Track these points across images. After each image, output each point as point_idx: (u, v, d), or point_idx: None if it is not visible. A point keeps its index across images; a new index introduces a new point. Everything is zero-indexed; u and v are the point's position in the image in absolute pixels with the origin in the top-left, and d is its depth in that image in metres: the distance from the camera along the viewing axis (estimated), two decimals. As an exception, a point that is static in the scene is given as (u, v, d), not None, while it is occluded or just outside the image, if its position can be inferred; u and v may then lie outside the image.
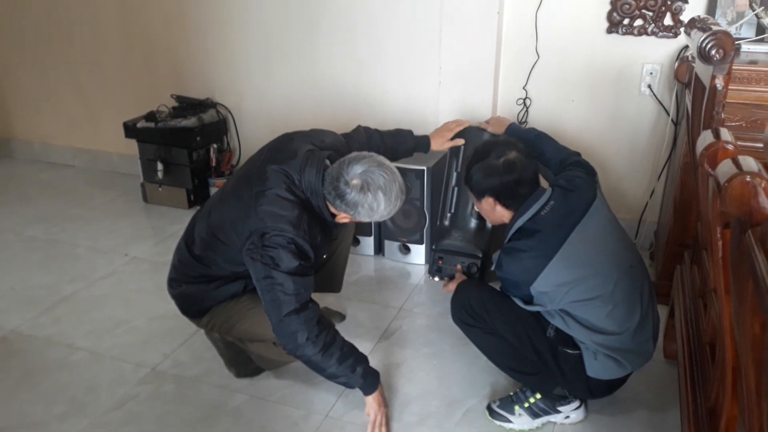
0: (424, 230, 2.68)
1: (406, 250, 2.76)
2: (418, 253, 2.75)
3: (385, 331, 2.28)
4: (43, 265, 2.78)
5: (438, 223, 2.38)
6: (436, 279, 2.35)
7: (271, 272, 1.63)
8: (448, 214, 2.33)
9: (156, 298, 2.49)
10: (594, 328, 1.64)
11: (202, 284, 1.88)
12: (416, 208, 2.65)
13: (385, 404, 1.82)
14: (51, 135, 4.04)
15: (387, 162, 1.69)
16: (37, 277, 2.67)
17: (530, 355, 1.73)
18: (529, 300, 1.69)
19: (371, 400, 1.79)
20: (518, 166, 1.70)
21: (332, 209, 1.71)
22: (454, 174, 2.34)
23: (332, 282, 2.21)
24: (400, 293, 2.53)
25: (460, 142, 2.21)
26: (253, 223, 1.65)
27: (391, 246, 2.78)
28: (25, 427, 1.84)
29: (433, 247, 2.37)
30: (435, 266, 2.34)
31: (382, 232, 2.78)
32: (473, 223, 2.28)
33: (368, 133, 2.08)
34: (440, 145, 2.18)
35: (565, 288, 1.62)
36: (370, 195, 1.62)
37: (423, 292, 2.45)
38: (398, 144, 2.11)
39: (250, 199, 1.68)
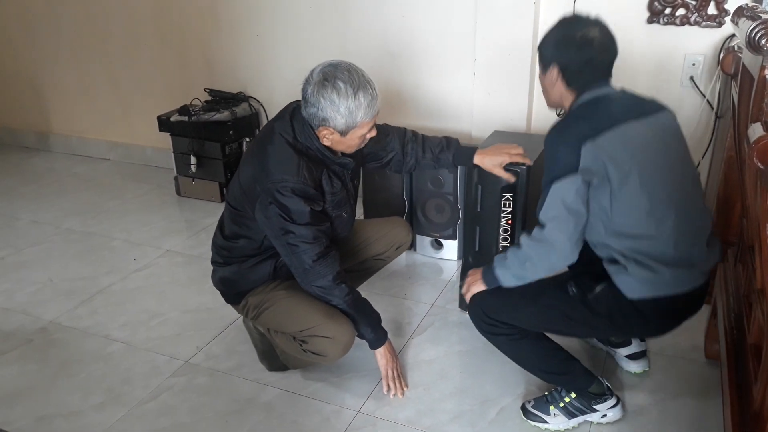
0: (457, 225, 2.65)
1: (439, 245, 2.73)
2: (451, 248, 2.72)
3: (417, 328, 2.26)
4: (79, 257, 2.83)
5: (463, 260, 2.33)
6: (468, 314, 2.32)
7: (287, 225, 1.68)
8: (473, 252, 2.27)
9: (189, 291, 2.51)
10: (625, 232, 1.54)
11: (235, 265, 1.90)
12: (449, 203, 2.62)
13: (395, 356, 1.92)
14: (87, 129, 4.10)
15: (350, 61, 1.67)
16: (75, 269, 2.71)
17: (567, 329, 1.67)
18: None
19: (380, 354, 1.89)
20: (595, 46, 1.55)
21: (319, 135, 1.71)
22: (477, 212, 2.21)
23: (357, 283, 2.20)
24: (433, 289, 2.51)
25: (513, 179, 2.01)
26: (260, 183, 1.70)
27: (423, 241, 2.75)
28: (64, 416, 1.87)
29: (461, 284, 2.32)
30: (466, 302, 2.31)
31: (414, 227, 2.75)
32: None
33: (414, 135, 2.05)
34: (490, 164, 1.99)
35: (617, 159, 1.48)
36: (330, 86, 1.60)
37: (455, 288, 2.42)
38: (440, 152, 2.03)
39: (254, 165, 1.75)
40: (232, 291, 1.96)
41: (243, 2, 3.26)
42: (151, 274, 2.68)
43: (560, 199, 1.51)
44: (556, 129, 1.57)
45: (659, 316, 1.63)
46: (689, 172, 1.63)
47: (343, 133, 1.68)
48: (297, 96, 1.69)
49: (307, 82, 1.65)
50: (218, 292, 2.02)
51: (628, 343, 1.99)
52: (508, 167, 2.00)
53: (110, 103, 3.93)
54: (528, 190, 2.16)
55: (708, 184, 2.54)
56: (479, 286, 1.75)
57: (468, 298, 1.79)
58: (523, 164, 2.02)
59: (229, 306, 2.03)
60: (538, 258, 1.59)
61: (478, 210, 2.19)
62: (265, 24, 3.25)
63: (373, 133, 1.76)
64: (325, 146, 1.73)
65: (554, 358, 1.74)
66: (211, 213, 3.19)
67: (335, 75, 1.61)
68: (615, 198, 1.50)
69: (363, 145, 1.78)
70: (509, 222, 2.16)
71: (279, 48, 3.27)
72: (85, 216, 3.24)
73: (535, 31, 2.65)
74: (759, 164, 1.22)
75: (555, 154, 1.54)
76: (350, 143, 1.73)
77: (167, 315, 2.36)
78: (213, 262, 1.98)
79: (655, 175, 1.52)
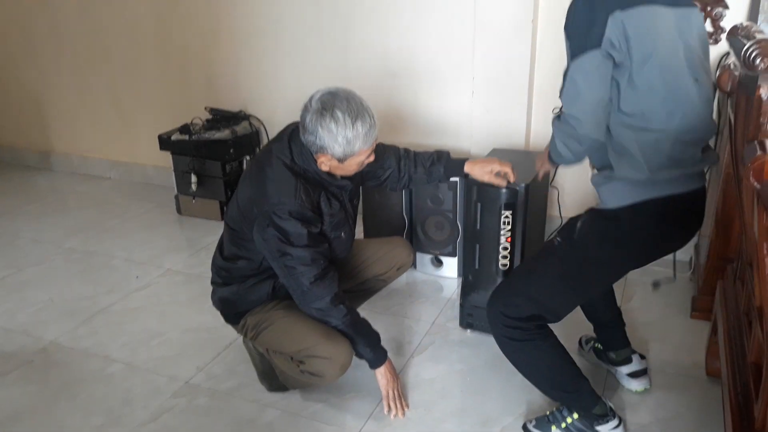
0: (457, 243, 2.66)
1: (439, 263, 2.73)
2: (451, 266, 2.72)
3: (417, 347, 2.25)
4: (81, 276, 2.84)
5: (463, 278, 2.34)
6: (468, 332, 2.33)
7: (284, 248, 1.69)
8: (473, 269, 2.25)
9: (189, 310, 2.51)
10: (633, 124, 1.49)
11: (234, 285, 1.91)
12: (448, 220, 2.63)
13: (396, 376, 1.91)
14: (89, 148, 4.13)
15: (349, 89, 1.67)
16: (76, 289, 2.72)
17: (574, 287, 1.63)
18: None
19: (380, 374, 1.88)
20: None
21: (317, 161, 1.71)
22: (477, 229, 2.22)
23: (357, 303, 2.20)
24: (433, 307, 2.51)
25: (503, 183, 2.00)
26: (258, 205, 1.71)
27: (423, 258, 2.76)
28: (63, 439, 1.87)
29: (461, 302, 2.33)
30: (466, 320, 2.32)
31: (414, 245, 2.75)
32: (500, 280, 2.21)
33: (406, 152, 2.06)
34: (481, 172, 1.99)
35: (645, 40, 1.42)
36: (328, 115, 1.60)
37: (456, 306, 2.42)
38: (431, 165, 2.03)
39: (252, 187, 1.76)
40: (232, 311, 1.96)
41: (244, 21, 3.29)
42: (151, 293, 2.68)
43: (579, 77, 1.46)
44: None
45: (653, 224, 1.56)
46: (705, 78, 1.56)
47: (341, 160, 1.69)
48: (298, 114, 1.69)
49: (305, 109, 1.65)
50: (218, 312, 2.02)
51: (629, 362, 1.99)
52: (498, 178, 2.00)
53: (112, 122, 3.95)
54: (527, 208, 2.17)
55: (707, 199, 2.54)
56: (548, 166, 1.81)
57: (541, 174, 1.88)
58: (513, 183, 2.03)
59: (229, 326, 2.03)
60: (567, 145, 1.56)
61: (478, 228, 2.20)
62: (266, 43, 3.28)
63: (372, 159, 1.76)
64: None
65: (566, 374, 1.71)
66: (212, 231, 3.20)
67: (333, 104, 1.61)
68: (631, 82, 1.45)
69: (361, 168, 1.79)
70: (509, 239, 2.16)
71: (280, 67, 3.30)
72: (86, 235, 3.25)
73: (532, 49, 2.67)
74: (755, 183, 1.22)
75: (578, 24, 1.46)
76: (349, 169, 1.74)
77: (167, 335, 2.36)
78: (212, 283, 1.99)
79: (675, 66, 1.47)
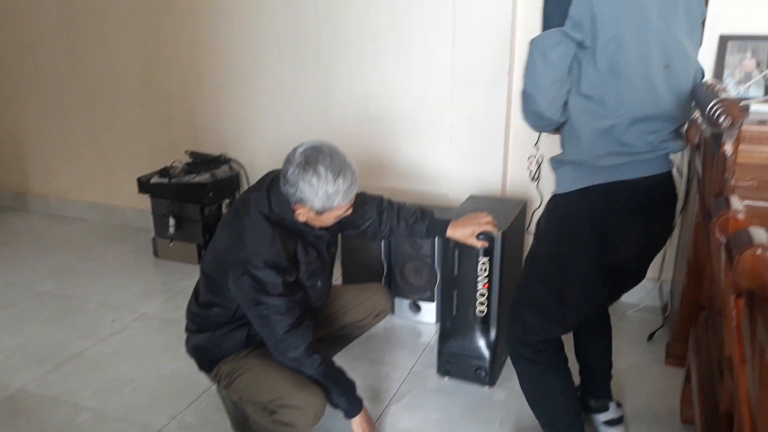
0: (435, 288, 2.66)
1: (417, 308, 2.73)
2: (429, 311, 2.72)
3: (395, 395, 2.24)
4: (53, 321, 2.78)
5: (441, 324, 2.35)
6: (446, 379, 2.32)
7: (259, 297, 1.69)
8: (451, 316, 2.27)
9: (164, 356, 2.47)
10: (589, 108, 1.45)
11: (208, 332, 1.90)
12: (427, 265, 2.64)
13: (372, 426, 1.88)
14: (67, 190, 4.10)
15: (333, 144, 1.69)
16: (47, 334, 2.66)
17: (558, 281, 1.59)
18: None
19: (356, 424, 1.84)
20: None
21: (294, 211, 1.72)
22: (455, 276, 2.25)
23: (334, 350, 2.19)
24: (411, 354, 2.50)
25: (485, 244, 2.07)
26: (234, 254, 1.72)
27: (402, 304, 2.76)
28: (28, 492, 1.81)
29: (439, 349, 2.33)
30: (444, 367, 2.32)
31: (392, 290, 2.76)
32: (477, 327, 2.23)
33: (389, 204, 2.07)
34: (462, 235, 2.01)
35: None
36: (311, 170, 1.61)
37: (434, 352, 2.41)
38: (414, 223, 2.04)
39: (229, 236, 1.77)
40: (206, 358, 1.94)
41: (227, 67, 3.33)
42: (125, 338, 2.63)
43: (536, 54, 1.43)
44: None
45: (604, 209, 1.52)
46: (682, 64, 1.50)
47: (319, 213, 1.70)
48: (279, 158, 1.70)
49: (288, 161, 1.66)
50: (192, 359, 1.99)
51: (605, 409, 1.99)
52: (479, 236, 2.03)
53: (93, 164, 3.94)
54: (504, 255, 2.19)
55: (679, 246, 2.59)
56: None
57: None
58: (492, 233, 2.06)
59: (203, 373, 2.00)
60: (530, 117, 1.54)
61: (455, 274, 2.21)
62: (248, 88, 3.32)
63: (349, 213, 1.78)
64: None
65: (566, 418, 1.71)
66: (188, 275, 3.18)
67: (317, 159, 1.62)
68: (594, 64, 1.41)
69: (338, 221, 1.80)
70: (486, 285, 2.18)
71: (262, 112, 3.33)
72: (61, 278, 3.20)
73: (509, 99, 2.74)
74: (721, 238, 1.26)
75: (545, 2, 1.43)
76: (326, 221, 1.76)
77: (140, 381, 2.32)
78: (187, 329, 1.97)
79: (641, 51, 1.41)
